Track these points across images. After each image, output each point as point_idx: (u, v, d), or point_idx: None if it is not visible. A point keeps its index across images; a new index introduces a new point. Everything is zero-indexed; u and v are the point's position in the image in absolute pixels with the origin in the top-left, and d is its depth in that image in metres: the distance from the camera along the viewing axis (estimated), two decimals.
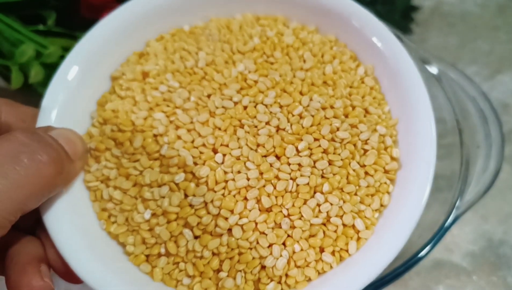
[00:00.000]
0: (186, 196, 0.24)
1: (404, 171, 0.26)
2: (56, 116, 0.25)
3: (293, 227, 0.24)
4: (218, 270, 0.23)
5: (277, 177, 0.24)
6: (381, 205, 0.25)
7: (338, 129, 0.25)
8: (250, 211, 0.23)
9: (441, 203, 0.32)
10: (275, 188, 0.24)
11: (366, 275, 0.22)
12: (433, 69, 0.36)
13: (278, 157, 0.25)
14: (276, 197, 0.24)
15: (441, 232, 0.30)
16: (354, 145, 0.25)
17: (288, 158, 0.24)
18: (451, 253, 0.40)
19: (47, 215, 0.23)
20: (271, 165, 0.24)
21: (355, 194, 0.25)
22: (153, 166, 0.25)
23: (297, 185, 0.24)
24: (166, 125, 0.26)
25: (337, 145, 0.25)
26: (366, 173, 0.25)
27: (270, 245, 0.23)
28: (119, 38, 0.29)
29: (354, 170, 0.25)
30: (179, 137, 0.25)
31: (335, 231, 0.24)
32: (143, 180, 0.24)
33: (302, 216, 0.24)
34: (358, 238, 0.24)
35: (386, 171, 0.26)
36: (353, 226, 0.24)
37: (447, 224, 0.30)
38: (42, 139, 0.22)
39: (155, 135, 0.25)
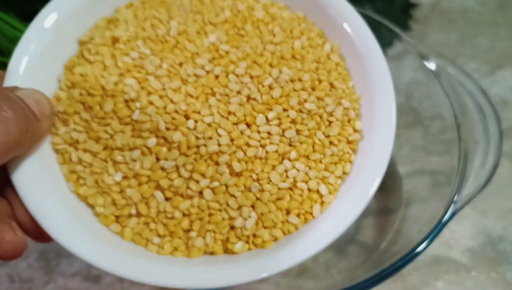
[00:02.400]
0: (157, 160, 0.24)
1: (365, 142, 0.27)
2: (22, 78, 0.25)
3: (262, 190, 0.25)
4: (188, 230, 0.24)
5: (247, 144, 0.25)
6: (344, 173, 0.27)
7: (305, 101, 0.26)
8: (221, 175, 0.24)
9: (439, 198, 0.33)
10: (245, 154, 0.25)
11: (329, 236, 0.24)
12: (432, 65, 0.36)
13: (248, 125, 0.25)
14: (246, 162, 0.25)
15: (439, 227, 0.30)
16: (320, 116, 0.27)
17: (258, 126, 0.25)
18: (450, 249, 0.40)
19: (16, 174, 0.23)
20: (241, 132, 0.25)
21: (320, 162, 0.26)
22: (125, 131, 0.25)
23: (267, 152, 0.25)
24: (138, 91, 0.26)
25: (304, 116, 0.26)
26: (331, 143, 0.27)
27: (239, 207, 0.24)
28: (88, 3, 0.28)
29: (319, 140, 0.26)
30: (151, 103, 0.25)
31: (301, 195, 0.25)
32: (114, 144, 0.24)
33: (270, 180, 0.25)
34: (322, 202, 0.26)
35: (349, 142, 0.27)
36: (318, 191, 0.26)
37: (445, 219, 0.31)
38: (8, 97, 0.21)
39: (126, 100, 0.26)
